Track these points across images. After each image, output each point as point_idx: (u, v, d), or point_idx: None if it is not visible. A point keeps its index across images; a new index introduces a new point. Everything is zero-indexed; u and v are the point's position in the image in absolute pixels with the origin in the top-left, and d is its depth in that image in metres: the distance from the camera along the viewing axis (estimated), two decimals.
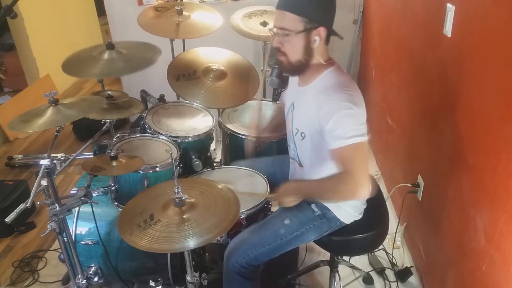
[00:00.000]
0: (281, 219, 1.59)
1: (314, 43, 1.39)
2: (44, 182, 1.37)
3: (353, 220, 1.61)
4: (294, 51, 1.41)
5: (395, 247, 2.29)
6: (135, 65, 1.96)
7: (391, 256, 2.23)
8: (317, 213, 1.57)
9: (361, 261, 2.22)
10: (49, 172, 1.38)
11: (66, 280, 2.15)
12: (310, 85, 1.47)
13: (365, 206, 1.64)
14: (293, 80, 1.58)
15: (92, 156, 1.70)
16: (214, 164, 2.14)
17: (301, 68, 1.46)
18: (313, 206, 1.58)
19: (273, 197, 1.59)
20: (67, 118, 1.48)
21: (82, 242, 1.81)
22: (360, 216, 1.63)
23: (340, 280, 1.94)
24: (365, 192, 1.33)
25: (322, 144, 1.43)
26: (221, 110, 2.26)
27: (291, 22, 1.36)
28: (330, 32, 1.41)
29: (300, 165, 1.61)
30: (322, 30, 1.37)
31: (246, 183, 1.81)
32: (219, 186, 1.54)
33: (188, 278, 1.53)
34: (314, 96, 1.43)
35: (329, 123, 1.35)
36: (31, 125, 1.41)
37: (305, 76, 1.49)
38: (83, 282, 1.65)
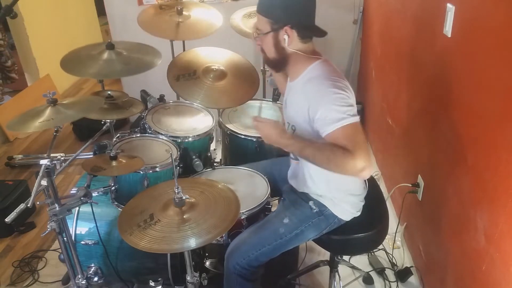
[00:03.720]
0: (280, 219, 1.60)
1: (283, 42, 1.45)
2: (44, 182, 1.37)
3: (351, 217, 1.62)
4: (268, 49, 1.50)
5: (395, 247, 2.29)
6: (133, 68, 1.96)
7: (391, 256, 2.23)
8: (315, 210, 1.58)
9: (361, 261, 2.22)
10: (49, 172, 1.38)
11: (66, 280, 2.15)
12: (298, 79, 1.51)
13: (363, 203, 1.65)
14: (287, 78, 1.63)
15: (92, 156, 1.70)
16: (214, 164, 2.15)
17: (279, 64, 1.54)
18: (310, 203, 1.59)
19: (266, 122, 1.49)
20: (66, 118, 1.48)
21: (82, 242, 1.81)
22: (359, 214, 1.63)
23: (340, 280, 1.94)
24: (366, 171, 1.30)
25: (312, 135, 1.44)
26: (221, 110, 2.26)
27: (261, 23, 1.47)
28: (304, 30, 1.45)
29: (296, 159, 1.63)
30: (288, 30, 1.43)
31: (246, 183, 1.81)
32: (220, 186, 1.54)
33: (188, 278, 1.53)
34: (301, 87, 1.48)
35: (318, 111, 1.37)
36: (29, 125, 1.41)
37: (291, 71, 1.55)
38: (83, 282, 1.65)
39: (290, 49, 1.47)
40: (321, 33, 1.49)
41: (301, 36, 1.46)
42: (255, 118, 1.53)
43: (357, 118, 1.34)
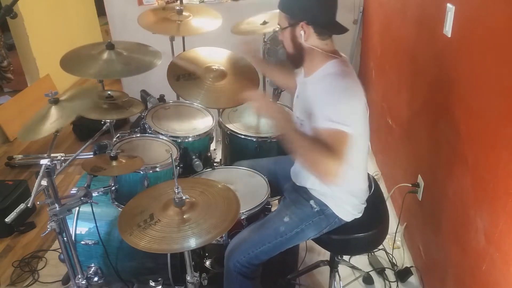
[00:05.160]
0: (281, 217, 1.60)
1: (300, 38, 1.47)
2: (44, 182, 1.37)
3: (352, 218, 1.62)
4: (287, 44, 1.54)
5: (395, 247, 2.29)
6: (133, 68, 1.97)
7: (391, 256, 2.23)
8: (316, 209, 1.58)
9: (361, 261, 2.22)
10: (49, 172, 1.38)
11: (66, 280, 2.15)
12: (313, 75, 1.52)
13: (364, 206, 1.65)
14: (300, 72, 1.64)
15: (92, 156, 1.70)
16: (214, 164, 2.15)
17: (297, 60, 1.56)
18: (311, 202, 1.59)
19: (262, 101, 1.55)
20: (73, 111, 1.47)
21: (82, 242, 1.81)
22: (360, 215, 1.63)
23: (340, 280, 1.94)
24: (331, 178, 1.31)
25: None
26: (221, 110, 2.26)
27: (280, 18, 1.52)
28: (321, 28, 1.46)
29: None
30: (304, 26, 1.45)
31: (246, 183, 1.81)
32: (219, 186, 1.54)
33: (188, 278, 1.53)
34: (315, 83, 1.49)
35: (320, 102, 1.39)
36: (40, 130, 1.40)
37: (307, 67, 1.56)
38: (83, 282, 1.65)
39: (307, 44, 1.48)
40: (340, 30, 1.49)
41: (318, 32, 1.47)
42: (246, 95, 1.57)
43: (347, 129, 1.34)
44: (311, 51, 1.49)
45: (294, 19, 1.46)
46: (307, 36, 1.46)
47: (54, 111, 1.46)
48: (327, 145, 1.32)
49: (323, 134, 1.35)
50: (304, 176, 1.64)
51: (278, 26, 1.54)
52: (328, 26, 1.48)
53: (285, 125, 1.45)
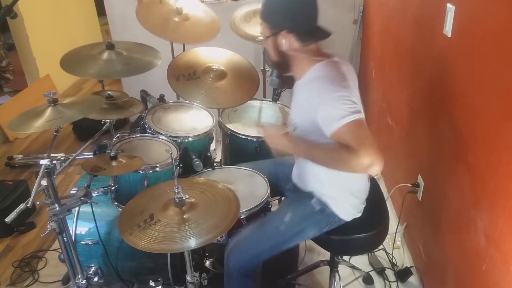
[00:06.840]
0: (281, 216, 1.60)
1: (282, 46, 1.48)
2: (44, 182, 1.37)
3: (352, 218, 1.62)
4: (271, 52, 1.54)
5: (395, 247, 2.29)
6: (133, 68, 1.97)
7: (391, 256, 2.23)
8: (316, 209, 1.58)
9: (361, 261, 2.22)
10: (49, 172, 1.38)
11: (66, 280, 2.15)
12: (302, 79, 1.52)
13: (364, 205, 1.65)
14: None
15: (92, 156, 1.70)
16: (214, 164, 2.15)
17: (283, 67, 1.57)
18: (312, 201, 1.59)
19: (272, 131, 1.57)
20: (67, 119, 1.48)
21: (82, 242, 1.82)
22: (359, 215, 1.63)
23: (340, 280, 1.94)
24: (377, 166, 1.27)
25: (311, 134, 1.44)
26: (221, 110, 2.26)
27: (262, 28, 1.52)
28: (303, 35, 1.46)
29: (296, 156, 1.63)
30: (285, 34, 1.45)
31: (246, 183, 1.81)
32: (219, 186, 1.54)
33: (188, 278, 1.53)
34: (304, 88, 1.49)
35: (320, 110, 1.36)
36: (31, 126, 1.41)
37: (296, 71, 1.56)
38: (83, 282, 1.65)
39: (290, 52, 1.48)
40: (323, 36, 1.49)
41: (301, 40, 1.46)
42: (257, 124, 1.58)
43: (359, 115, 1.32)
44: (296, 57, 1.49)
45: (275, 28, 1.46)
46: (290, 44, 1.46)
47: (50, 111, 1.47)
48: (349, 142, 1.29)
49: (338, 135, 1.32)
50: (305, 178, 1.64)
51: (261, 35, 1.54)
52: (310, 32, 1.47)
53: (304, 147, 1.46)
